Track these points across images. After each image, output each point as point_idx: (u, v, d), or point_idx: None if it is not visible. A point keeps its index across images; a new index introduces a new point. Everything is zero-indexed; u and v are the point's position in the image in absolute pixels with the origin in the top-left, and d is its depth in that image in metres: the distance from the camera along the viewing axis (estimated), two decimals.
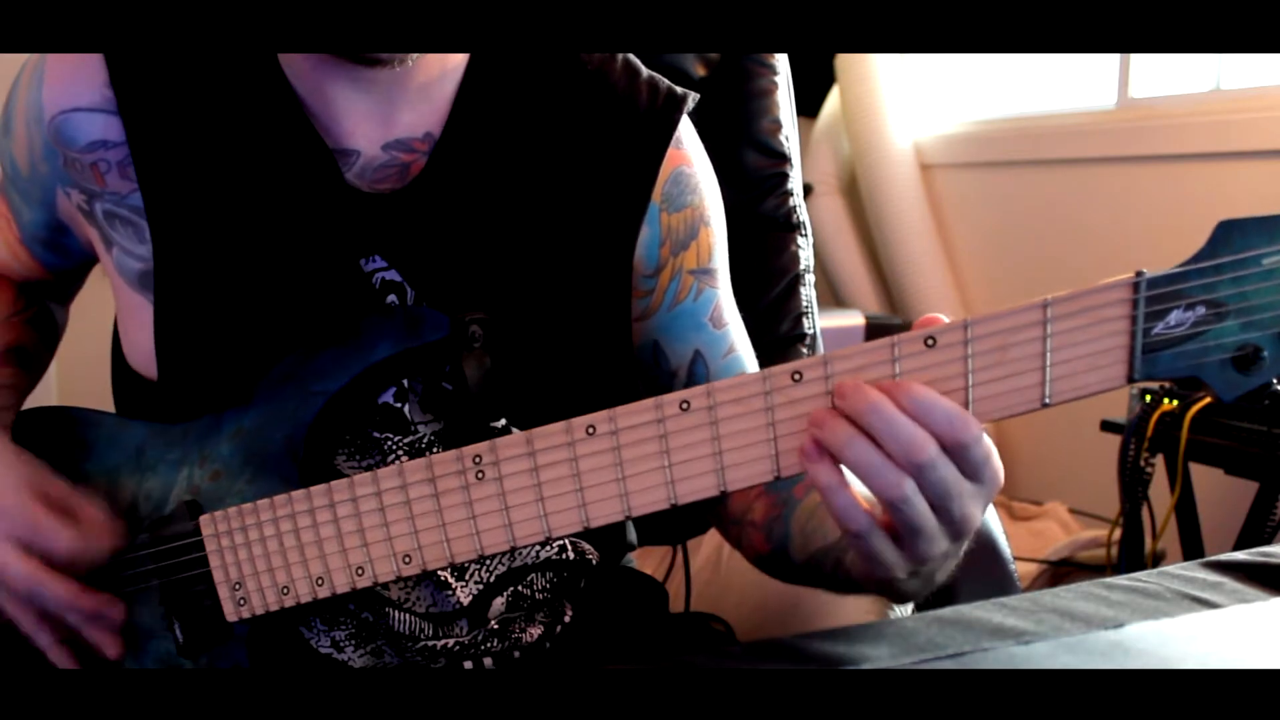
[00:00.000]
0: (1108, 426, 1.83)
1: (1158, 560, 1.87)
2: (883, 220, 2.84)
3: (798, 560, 0.73)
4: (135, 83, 0.76)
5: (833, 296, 3.01)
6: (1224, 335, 0.54)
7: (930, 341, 0.55)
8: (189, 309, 0.77)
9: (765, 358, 0.83)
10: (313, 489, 0.68)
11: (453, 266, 0.77)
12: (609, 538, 0.90)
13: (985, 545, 1.08)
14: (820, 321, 1.31)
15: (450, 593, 0.78)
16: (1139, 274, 0.53)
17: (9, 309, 0.89)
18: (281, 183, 0.76)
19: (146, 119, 0.76)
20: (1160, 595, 0.67)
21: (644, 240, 0.81)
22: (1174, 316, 0.54)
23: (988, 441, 0.55)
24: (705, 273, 0.83)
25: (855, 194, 2.99)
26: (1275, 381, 0.54)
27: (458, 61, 0.78)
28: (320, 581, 0.68)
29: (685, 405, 0.59)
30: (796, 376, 0.57)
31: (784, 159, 1.29)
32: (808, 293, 1.29)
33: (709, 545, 1.15)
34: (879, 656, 0.59)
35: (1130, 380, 0.55)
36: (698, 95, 0.84)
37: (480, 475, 0.63)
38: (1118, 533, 1.84)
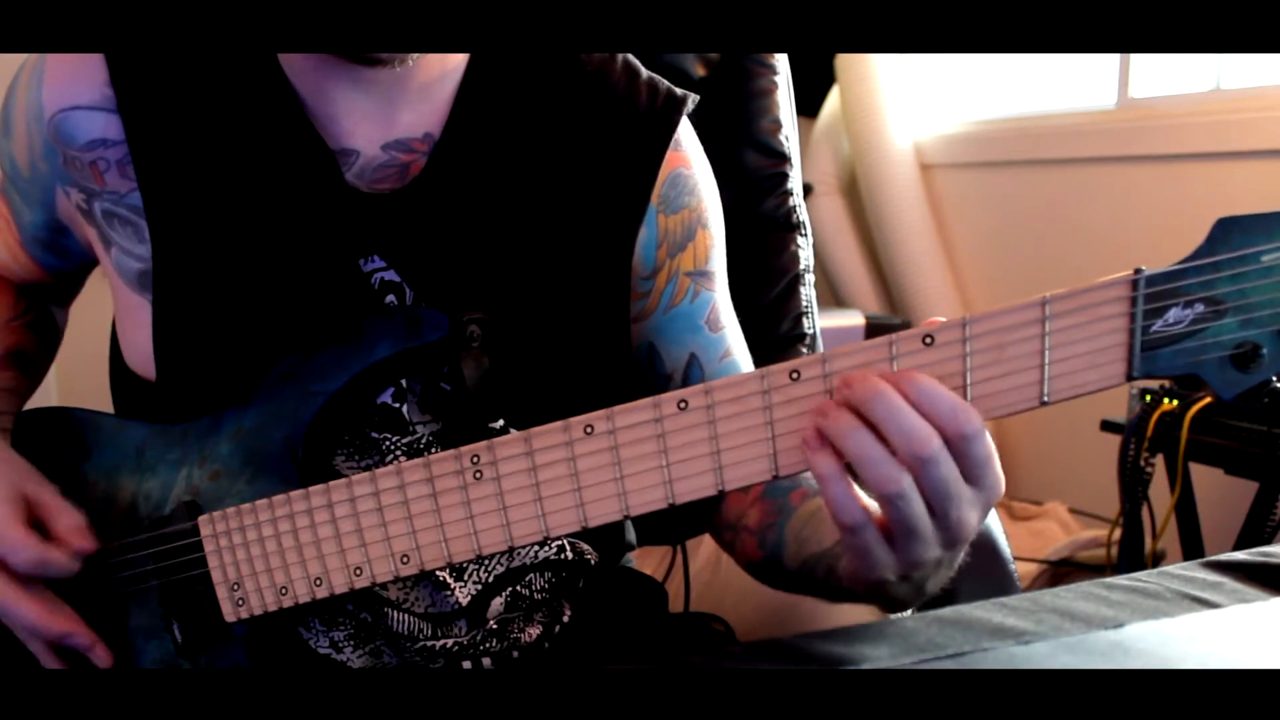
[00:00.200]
0: (1108, 426, 1.83)
1: (1158, 560, 1.87)
2: (883, 220, 2.84)
3: (790, 567, 0.73)
4: (135, 81, 0.76)
5: (833, 296, 3.01)
6: (1223, 333, 0.53)
7: (928, 340, 0.55)
8: (188, 309, 0.76)
9: (765, 358, 0.83)
10: (311, 489, 0.68)
11: (452, 267, 0.77)
12: (608, 538, 0.90)
13: (985, 545, 1.08)
14: (820, 321, 1.30)
15: (449, 593, 0.78)
16: (1138, 271, 0.53)
17: (9, 312, 0.89)
18: (281, 182, 0.76)
19: (146, 118, 0.76)
20: (1160, 595, 0.67)
21: (641, 242, 0.81)
22: (1173, 314, 0.54)
23: (990, 443, 0.55)
24: (702, 275, 0.83)
25: (855, 194, 2.99)
26: (1275, 379, 0.54)
27: (458, 62, 0.78)
28: (318, 582, 0.68)
29: (683, 404, 0.59)
30: (794, 375, 0.57)
31: (784, 159, 1.29)
32: (808, 293, 1.29)
33: (709, 545, 1.15)
34: (879, 656, 0.59)
35: (1129, 378, 0.55)
36: (697, 97, 0.84)
37: (478, 475, 0.63)
38: (1118, 533, 1.84)
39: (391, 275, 0.76)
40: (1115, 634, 0.61)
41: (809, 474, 0.77)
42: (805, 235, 1.30)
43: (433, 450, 0.77)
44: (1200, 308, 0.53)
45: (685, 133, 0.84)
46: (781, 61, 1.31)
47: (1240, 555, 0.74)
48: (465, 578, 0.79)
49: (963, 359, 0.55)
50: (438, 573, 0.77)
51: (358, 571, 0.67)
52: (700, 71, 1.30)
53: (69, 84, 0.76)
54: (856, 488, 0.56)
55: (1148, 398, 1.71)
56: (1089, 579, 0.72)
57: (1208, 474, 1.71)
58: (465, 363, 0.72)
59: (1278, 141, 1.99)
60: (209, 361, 0.76)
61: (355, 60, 0.72)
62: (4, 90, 0.82)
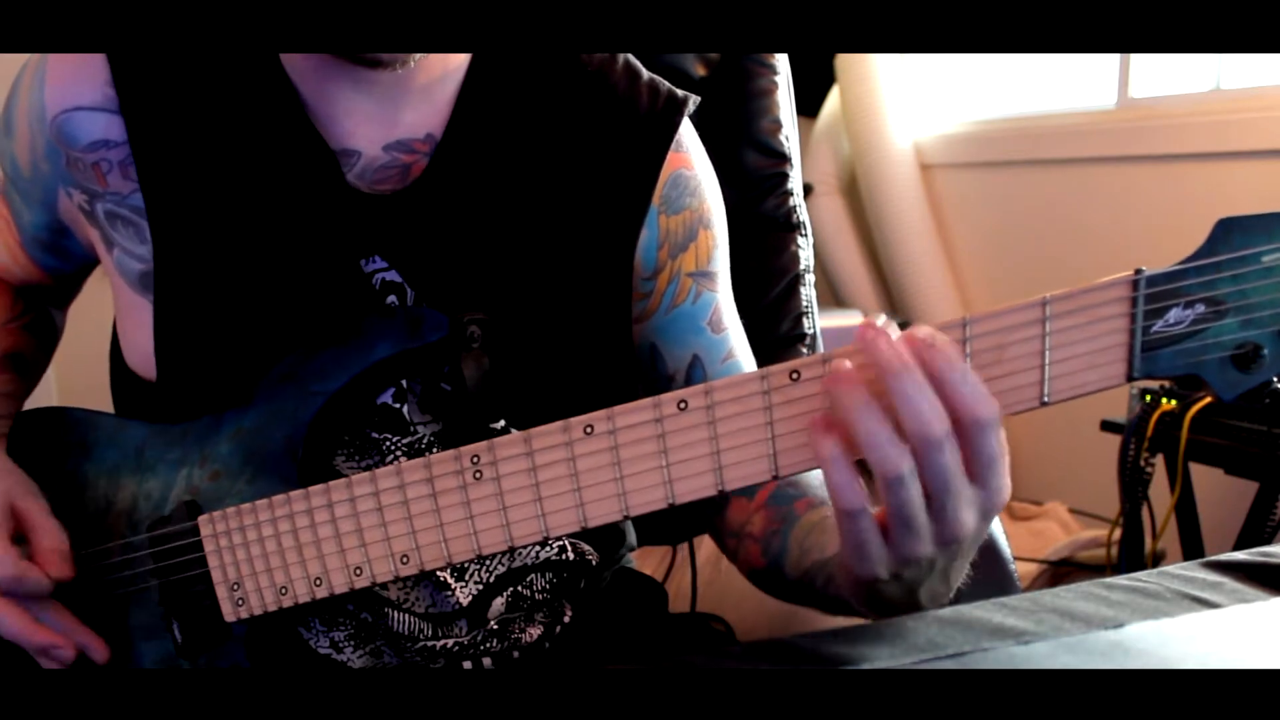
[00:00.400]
0: (1108, 426, 1.83)
1: (1158, 560, 1.87)
2: (883, 220, 2.84)
3: (791, 575, 0.72)
4: (137, 82, 0.76)
5: (833, 296, 3.01)
6: (1223, 333, 0.53)
7: (931, 343, 0.55)
8: (189, 309, 0.76)
9: (765, 358, 0.83)
10: (311, 489, 0.68)
11: (453, 267, 0.77)
12: (608, 538, 0.89)
13: (985, 545, 1.08)
14: (820, 321, 1.30)
15: (449, 593, 0.78)
16: (1138, 272, 0.53)
17: (7, 314, 0.89)
18: (282, 183, 0.76)
19: (148, 118, 0.76)
20: (1160, 595, 0.67)
21: (642, 242, 0.81)
22: (1173, 314, 0.54)
23: (1000, 444, 0.54)
24: (704, 276, 0.83)
25: (855, 194, 2.99)
26: (1275, 380, 0.54)
27: (459, 62, 0.78)
28: (318, 582, 0.68)
29: (683, 405, 0.59)
30: (794, 375, 0.57)
31: (784, 159, 1.29)
32: (808, 293, 1.29)
33: (709, 545, 1.15)
34: (879, 656, 0.59)
35: (1130, 379, 0.55)
36: (699, 98, 0.84)
37: (478, 475, 0.63)
38: (1118, 533, 1.84)
39: (393, 276, 0.76)
40: (1115, 634, 0.61)
41: (815, 482, 0.77)
42: (805, 235, 1.30)
43: (433, 451, 0.77)
44: (1201, 308, 0.53)
45: (687, 133, 0.84)
46: (781, 61, 1.31)
47: (1240, 555, 0.74)
48: (466, 578, 0.79)
49: (963, 359, 0.55)
50: (438, 573, 0.77)
51: (358, 571, 0.67)
52: (700, 71, 1.30)
53: (71, 85, 0.76)
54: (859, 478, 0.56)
55: (1148, 398, 1.71)
56: (1089, 579, 0.72)
57: (1208, 474, 1.71)
58: (465, 363, 0.72)
59: (1278, 141, 1.99)
60: (209, 362, 0.76)
61: (356, 63, 0.72)
62: (6, 91, 0.82)
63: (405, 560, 0.66)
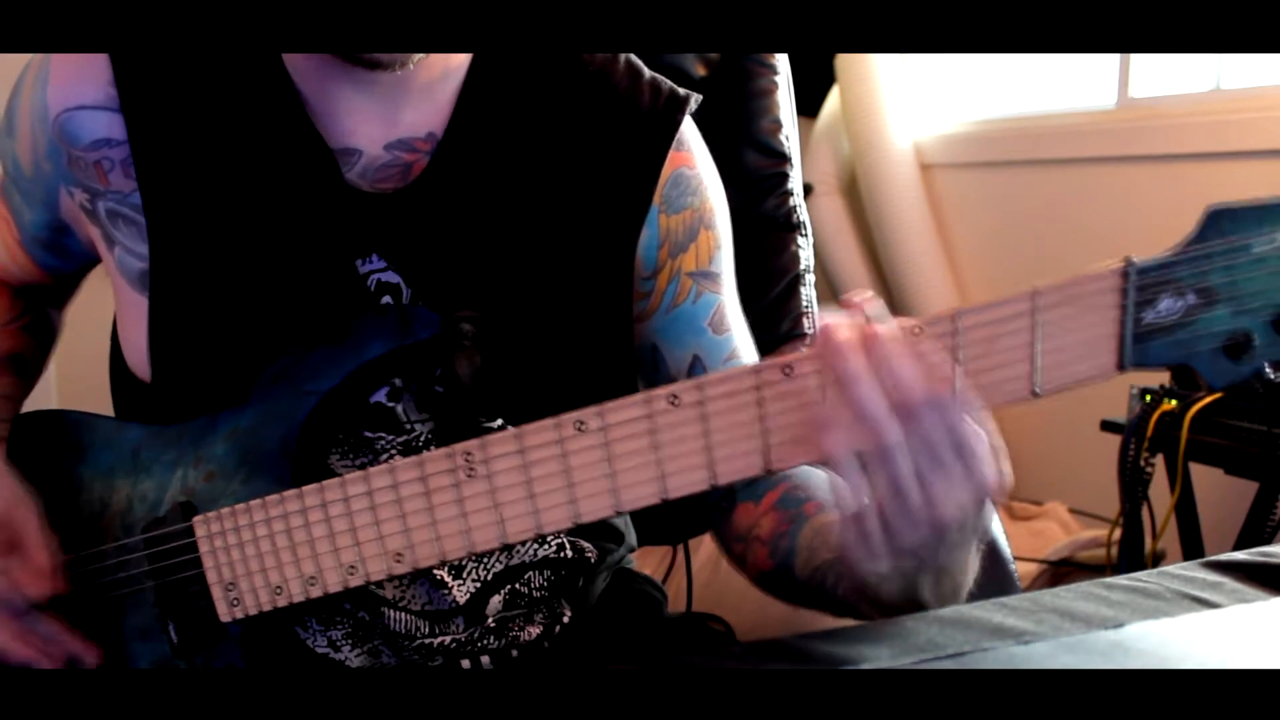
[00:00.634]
0: (1108, 426, 1.82)
1: (1158, 560, 1.87)
2: (883, 220, 2.84)
3: (800, 577, 0.72)
4: (139, 81, 0.76)
5: (833, 296, 3.01)
6: (1215, 323, 0.53)
7: (918, 332, 0.55)
8: (184, 308, 0.76)
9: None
10: (304, 488, 0.67)
11: (453, 266, 0.77)
12: (607, 538, 0.89)
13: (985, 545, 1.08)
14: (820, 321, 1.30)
15: (446, 591, 0.78)
16: (1128, 262, 0.53)
17: (7, 315, 0.88)
18: (280, 182, 0.76)
19: (149, 117, 0.76)
20: (1160, 595, 0.67)
21: (643, 242, 0.80)
22: (1164, 304, 0.53)
23: (978, 432, 0.56)
24: (705, 276, 0.83)
25: (855, 194, 2.99)
26: (1268, 369, 0.54)
27: (460, 61, 0.78)
28: (313, 581, 0.68)
29: (674, 400, 0.59)
30: (787, 371, 0.57)
31: (784, 159, 1.29)
32: (808, 293, 1.28)
33: (709, 545, 1.15)
34: (879, 656, 0.59)
35: (1120, 368, 0.55)
36: (700, 96, 0.83)
37: (471, 473, 0.63)
38: (1118, 533, 1.83)
39: (390, 276, 0.76)
40: (1115, 634, 0.61)
41: (823, 486, 0.77)
42: (805, 235, 1.30)
43: (429, 449, 0.77)
44: (1192, 298, 0.53)
45: (689, 133, 0.83)
46: (781, 61, 1.31)
47: (1240, 555, 0.73)
48: (464, 576, 0.79)
49: (953, 351, 0.55)
50: (435, 571, 0.77)
51: (352, 570, 0.67)
52: (700, 71, 1.30)
53: (74, 84, 0.76)
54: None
55: (1148, 398, 1.70)
56: (1089, 579, 0.72)
57: (1208, 474, 1.70)
58: (458, 361, 0.72)
59: (1277, 141, 1.99)
60: (204, 361, 0.76)
61: (356, 64, 0.72)
62: (8, 90, 0.82)
63: (399, 558, 0.66)
